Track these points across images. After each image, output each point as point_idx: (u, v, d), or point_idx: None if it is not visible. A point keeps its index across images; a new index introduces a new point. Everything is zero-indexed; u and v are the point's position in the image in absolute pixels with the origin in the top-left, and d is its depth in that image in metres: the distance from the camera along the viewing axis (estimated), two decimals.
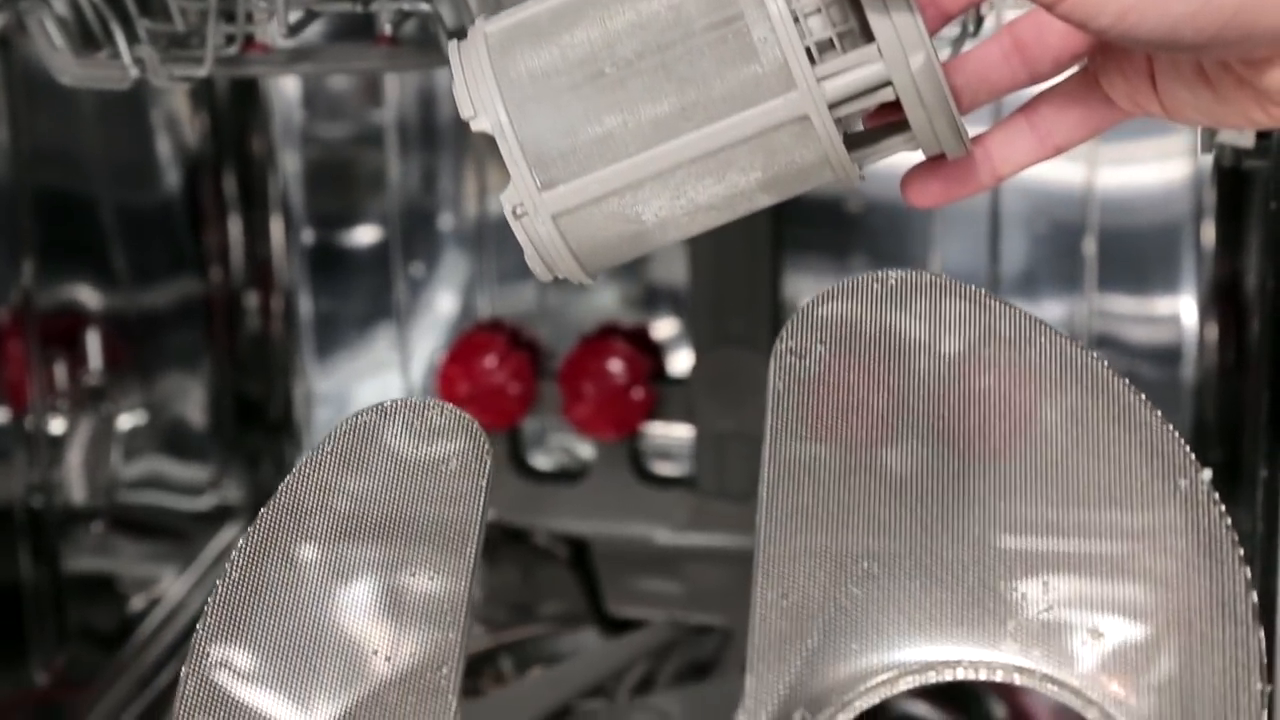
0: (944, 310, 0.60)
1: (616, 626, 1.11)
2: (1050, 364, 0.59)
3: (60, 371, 1.02)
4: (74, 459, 1.03)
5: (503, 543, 1.15)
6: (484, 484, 0.62)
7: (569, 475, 1.17)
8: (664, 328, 1.22)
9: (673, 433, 1.16)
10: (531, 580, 1.16)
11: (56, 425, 1.02)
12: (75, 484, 1.04)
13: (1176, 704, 0.53)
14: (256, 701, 0.59)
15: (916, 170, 0.59)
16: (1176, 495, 0.56)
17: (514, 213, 0.58)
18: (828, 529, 0.58)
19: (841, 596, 0.57)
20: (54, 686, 1.01)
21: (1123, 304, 1.16)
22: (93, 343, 1.05)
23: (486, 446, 0.62)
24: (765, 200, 0.58)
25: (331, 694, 0.59)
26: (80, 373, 1.04)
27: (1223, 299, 1.09)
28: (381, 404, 0.63)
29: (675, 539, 1.10)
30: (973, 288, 0.60)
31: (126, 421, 1.10)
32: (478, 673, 1.09)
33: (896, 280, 0.61)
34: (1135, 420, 0.57)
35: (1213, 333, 1.11)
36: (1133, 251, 1.15)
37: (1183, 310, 1.14)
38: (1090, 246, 1.15)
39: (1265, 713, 0.52)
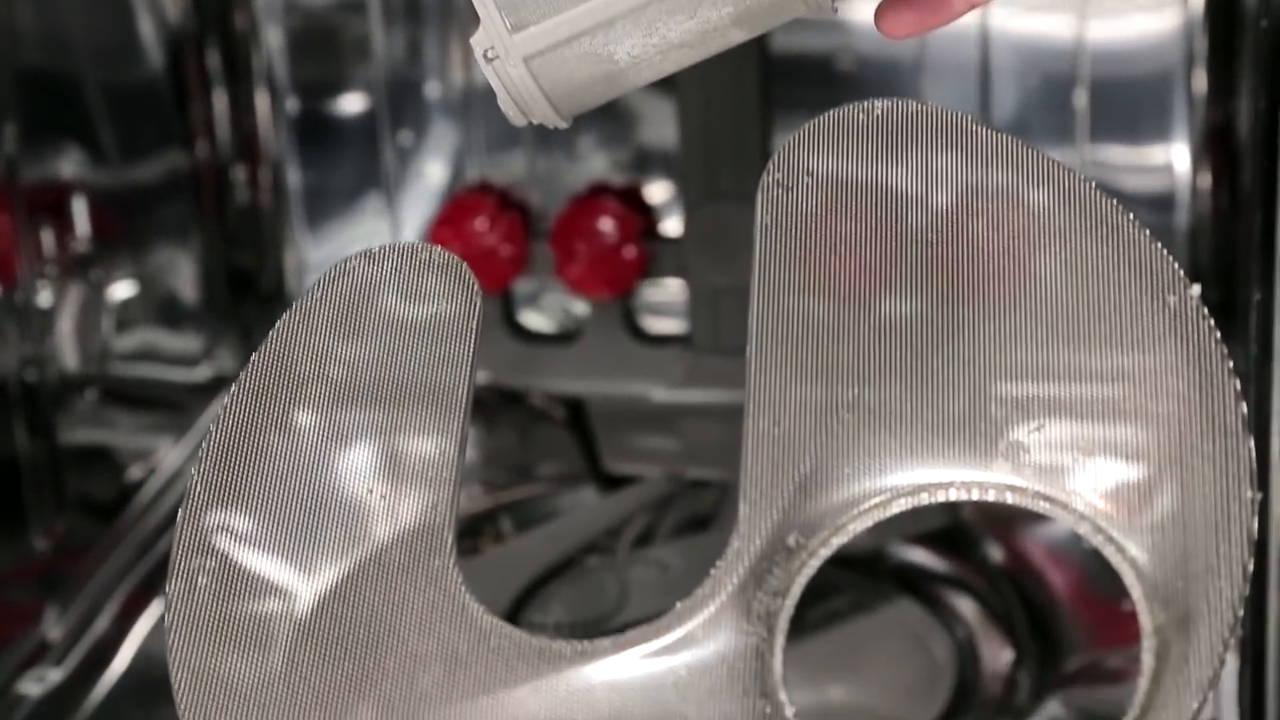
0: (929, 137, 0.59)
1: (614, 484, 1.12)
2: (1037, 187, 0.58)
3: (48, 239, 1.01)
4: (65, 326, 1.03)
5: (499, 405, 1.15)
6: (474, 325, 0.61)
7: (564, 336, 1.17)
8: (657, 191, 1.21)
9: (667, 291, 1.15)
10: (529, 441, 1.16)
11: (46, 296, 1.02)
12: (67, 351, 1.04)
13: (1168, 514, 0.54)
14: (244, 545, 0.59)
15: (890, 0, 0.58)
16: (1165, 311, 0.56)
17: (485, 56, 0.58)
18: (818, 356, 0.58)
19: (833, 422, 0.57)
20: (54, 554, 1.02)
21: (1116, 154, 1.15)
22: (80, 211, 1.05)
23: (475, 287, 0.62)
24: (738, 35, 0.57)
25: (317, 532, 0.59)
26: (68, 240, 1.04)
27: (1215, 145, 1.09)
28: (369, 249, 0.63)
29: (671, 396, 1.10)
30: (958, 114, 0.60)
31: (117, 293, 1.10)
32: (477, 533, 1.09)
33: (882, 110, 0.61)
34: (1124, 239, 0.57)
35: (1206, 179, 1.11)
36: (1124, 102, 1.14)
37: (1175, 158, 1.13)
38: (1082, 98, 1.14)
39: (1255, 519, 0.52)
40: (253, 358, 0.62)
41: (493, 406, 1.15)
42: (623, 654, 0.57)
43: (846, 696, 0.95)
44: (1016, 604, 1.00)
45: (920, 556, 1.04)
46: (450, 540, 0.59)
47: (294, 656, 0.58)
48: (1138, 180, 1.15)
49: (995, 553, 1.04)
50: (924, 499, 0.56)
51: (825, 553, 0.57)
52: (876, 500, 0.57)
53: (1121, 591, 0.99)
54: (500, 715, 0.56)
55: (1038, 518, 1.05)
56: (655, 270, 1.11)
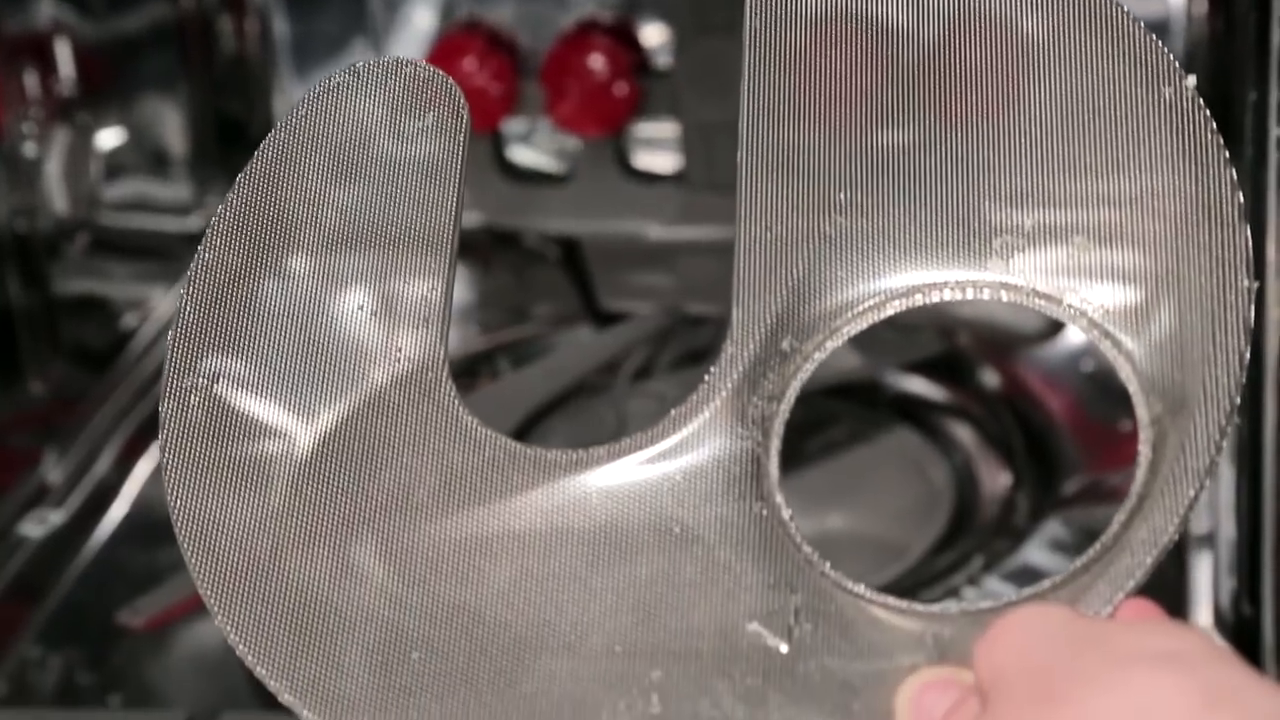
0: None
1: (610, 321, 1.12)
2: None
3: (31, 82, 1.00)
4: (53, 169, 1.02)
5: (492, 247, 1.15)
6: (462, 139, 0.61)
7: (556, 176, 1.16)
8: (650, 34, 1.19)
9: (659, 128, 1.14)
10: (524, 282, 1.15)
11: (31, 146, 1.01)
12: (56, 195, 1.03)
13: (1165, 305, 0.53)
14: (230, 382, 0.59)
15: None
16: (1161, 104, 0.55)
17: None
18: (810, 160, 0.57)
19: (826, 226, 0.57)
20: (52, 401, 1.02)
21: None
22: (63, 55, 1.04)
23: (462, 101, 0.61)
24: None
25: (302, 359, 0.58)
26: (52, 83, 1.03)
27: None
28: (354, 65, 0.62)
29: (666, 234, 1.10)
30: None
31: (105, 140, 1.09)
32: (474, 373, 1.09)
33: None
34: (1117, 32, 0.56)
35: (1201, 6, 1.09)
36: None
37: None
38: None
39: (1252, 309, 0.52)
40: (239, 178, 0.61)
41: (486, 248, 1.14)
42: (618, 462, 0.56)
43: (846, 524, 0.95)
44: (1014, 428, 1.00)
45: (917, 385, 1.04)
46: (442, 354, 0.58)
47: (291, 490, 0.58)
48: (1132, 6, 1.13)
49: (991, 379, 1.05)
50: (918, 300, 0.56)
51: (820, 356, 0.56)
52: (871, 303, 0.56)
53: (1118, 414, 1.00)
54: (496, 525, 0.56)
55: (1033, 342, 1.06)
56: (648, 107, 1.10)
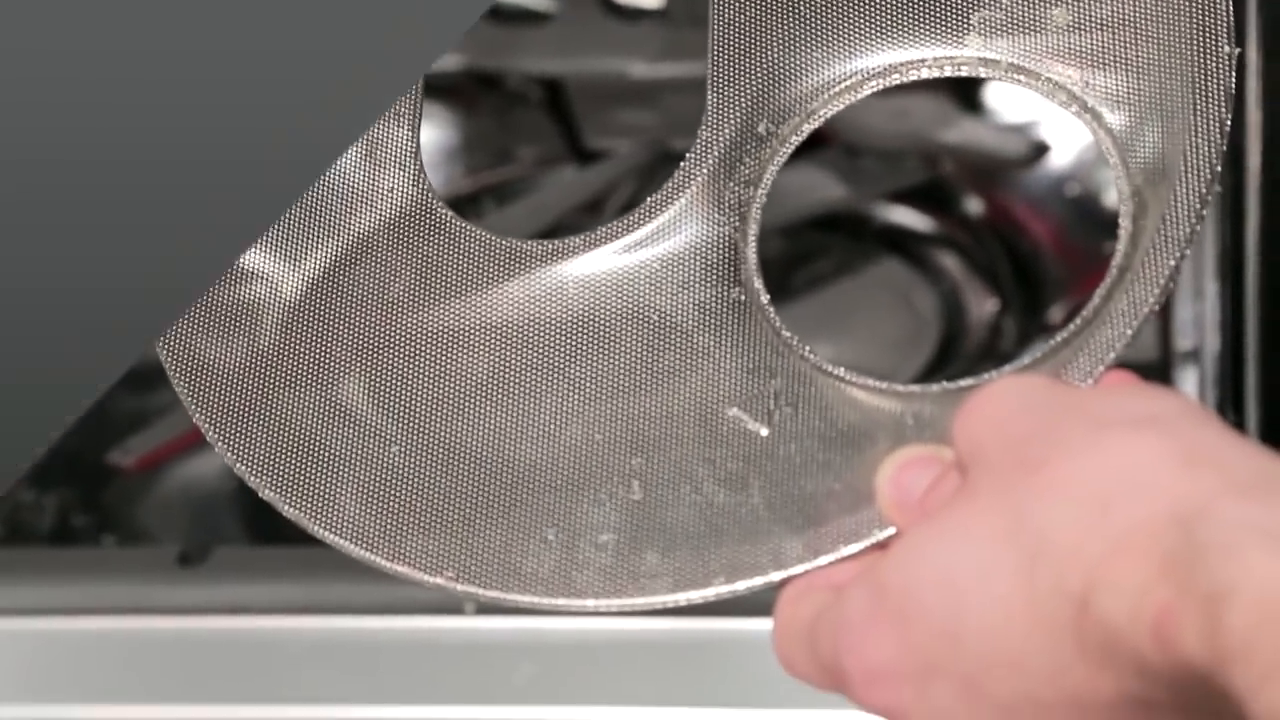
0: None
1: (595, 159, 1.11)
2: None
3: None
4: None
5: (475, 90, 1.14)
6: None
7: (537, 15, 1.15)
8: None
9: None
10: (508, 124, 1.14)
11: None
12: None
13: (1146, 76, 0.52)
14: None
15: None
16: None
17: None
18: None
19: (800, 6, 0.56)
20: None
21: None
22: None
23: None
24: None
25: None
26: None
27: None
28: None
29: (650, 71, 1.09)
30: None
31: None
32: (460, 215, 1.08)
33: None
34: None
35: None
36: None
37: None
38: None
39: (1233, 75, 0.51)
40: None
41: (469, 91, 1.13)
42: (594, 251, 0.56)
43: (834, 355, 0.94)
44: (1000, 255, 1.00)
45: (902, 216, 1.04)
46: (414, 143, 0.58)
47: (273, 299, 0.57)
48: None
49: (976, 206, 1.04)
50: (895, 79, 0.55)
51: (796, 140, 0.56)
52: (847, 83, 0.55)
53: (1103, 237, 0.99)
54: (472, 317, 0.56)
55: (1017, 168, 1.05)
56: None
